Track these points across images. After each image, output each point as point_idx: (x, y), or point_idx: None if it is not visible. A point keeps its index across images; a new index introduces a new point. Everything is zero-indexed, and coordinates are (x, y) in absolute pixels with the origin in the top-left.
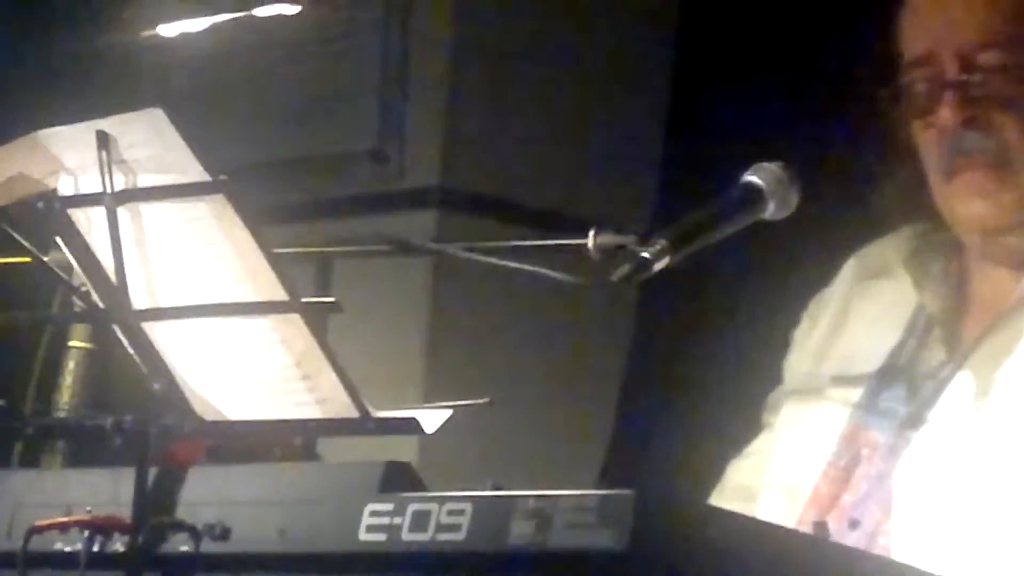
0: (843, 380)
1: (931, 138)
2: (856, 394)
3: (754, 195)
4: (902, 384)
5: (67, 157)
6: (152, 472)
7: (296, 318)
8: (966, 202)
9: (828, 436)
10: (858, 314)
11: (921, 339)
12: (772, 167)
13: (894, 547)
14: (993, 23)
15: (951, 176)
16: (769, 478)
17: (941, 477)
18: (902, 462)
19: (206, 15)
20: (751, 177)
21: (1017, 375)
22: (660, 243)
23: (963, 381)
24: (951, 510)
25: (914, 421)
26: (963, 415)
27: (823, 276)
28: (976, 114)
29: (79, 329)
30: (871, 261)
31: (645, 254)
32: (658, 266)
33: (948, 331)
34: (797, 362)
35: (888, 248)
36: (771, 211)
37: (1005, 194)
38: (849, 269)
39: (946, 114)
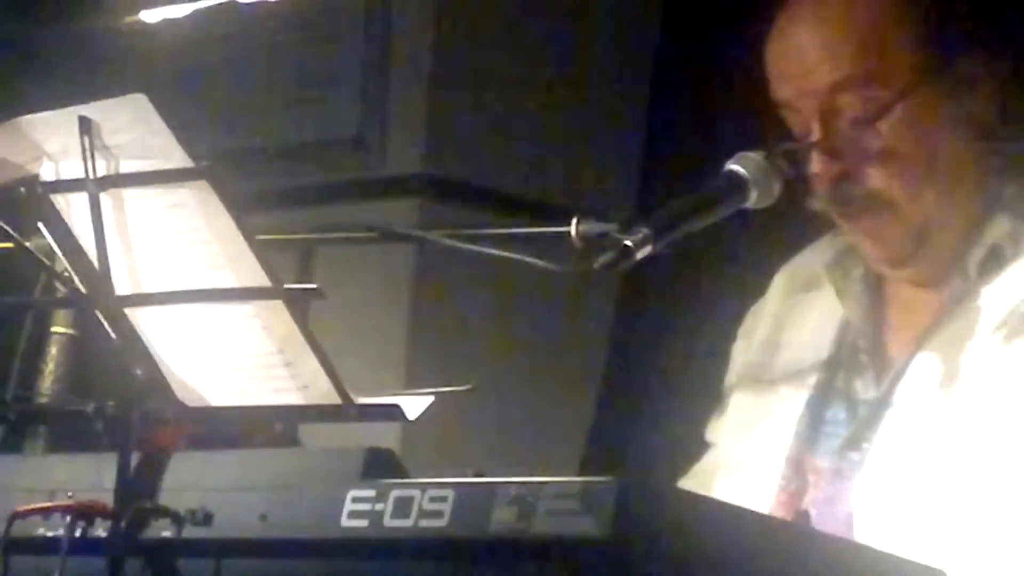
0: (783, 394)
1: (817, 183)
2: (796, 410)
3: (737, 184)
4: (841, 405)
5: (49, 143)
6: (134, 457)
7: (278, 304)
8: (859, 242)
9: (771, 451)
10: (791, 330)
11: (851, 357)
12: (755, 156)
13: None
14: (844, 63)
15: (839, 219)
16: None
17: (897, 496)
18: (858, 484)
19: (189, 1)
20: (734, 166)
21: (962, 390)
22: (643, 231)
23: (899, 404)
24: (914, 522)
25: (854, 442)
26: (903, 435)
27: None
28: (845, 168)
29: (61, 315)
30: (799, 274)
31: (628, 242)
32: (641, 254)
33: (871, 346)
34: (736, 378)
35: (814, 257)
36: (754, 200)
37: (889, 233)
38: (778, 284)
39: (817, 169)
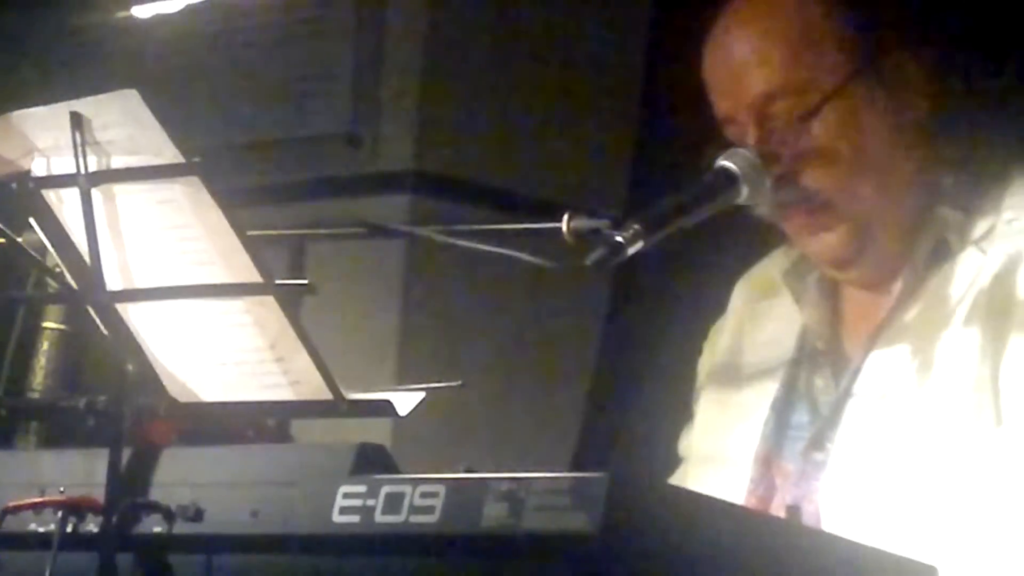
0: (747, 398)
1: None
2: (762, 414)
3: (728, 180)
4: (804, 408)
5: (41, 138)
6: (125, 453)
7: (270, 300)
8: (801, 241)
9: (738, 455)
10: (754, 335)
11: (811, 359)
12: (745, 152)
13: None
14: (774, 73)
15: (782, 222)
16: None
17: (862, 493)
18: (823, 484)
19: None
20: (725, 162)
21: (914, 388)
22: (634, 227)
23: (858, 400)
24: (880, 517)
25: (817, 443)
26: (864, 432)
27: None
28: (782, 172)
29: (53, 310)
30: (757, 282)
31: (619, 238)
32: (631, 250)
33: (829, 346)
34: (702, 383)
35: (771, 265)
36: (744, 196)
37: (831, 232)
38: (738, 293)
39: None
